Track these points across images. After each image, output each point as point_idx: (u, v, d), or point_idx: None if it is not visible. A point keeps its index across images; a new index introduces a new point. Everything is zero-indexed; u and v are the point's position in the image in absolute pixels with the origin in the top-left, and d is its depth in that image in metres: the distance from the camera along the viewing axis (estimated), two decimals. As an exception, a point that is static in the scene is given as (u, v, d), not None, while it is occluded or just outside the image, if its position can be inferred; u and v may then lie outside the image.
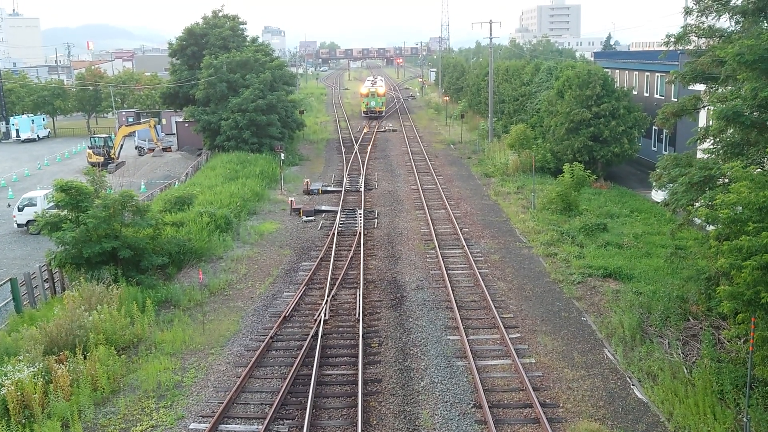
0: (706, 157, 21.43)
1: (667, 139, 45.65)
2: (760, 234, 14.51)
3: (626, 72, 55.84)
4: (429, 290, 25.31)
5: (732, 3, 21.90)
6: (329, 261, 28.56)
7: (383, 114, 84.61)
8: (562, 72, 47.28)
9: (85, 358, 18.82)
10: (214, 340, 21.47)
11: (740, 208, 15.93)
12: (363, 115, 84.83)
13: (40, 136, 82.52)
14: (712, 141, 20.98)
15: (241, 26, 61.87)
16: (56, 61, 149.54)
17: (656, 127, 44.79)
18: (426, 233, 33.03)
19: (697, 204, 20.05)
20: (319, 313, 22.79)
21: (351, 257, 29.01)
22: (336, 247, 30.62)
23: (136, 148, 65.60)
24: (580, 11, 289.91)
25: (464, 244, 30.48)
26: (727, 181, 19.01)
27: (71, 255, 24.33)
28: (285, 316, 22.85)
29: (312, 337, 20.90)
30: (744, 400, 15.65)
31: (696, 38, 23.55)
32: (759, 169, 19.18)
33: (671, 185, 21.91)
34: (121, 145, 60.92)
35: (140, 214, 25.83)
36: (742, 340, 18.05)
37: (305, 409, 16.74)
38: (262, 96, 53.98)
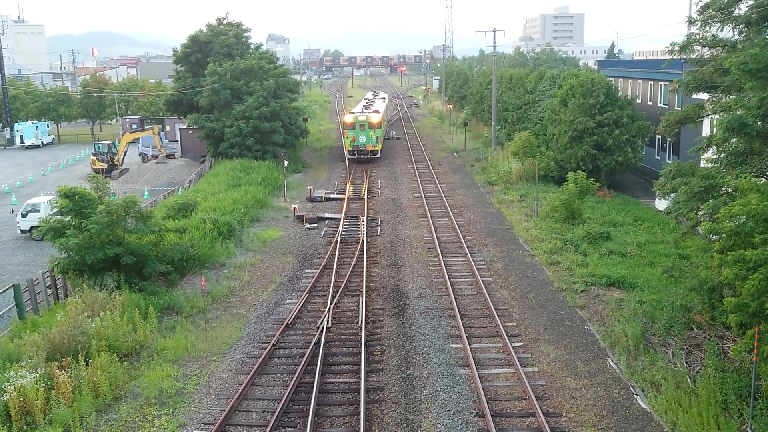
0: (709, 166, 21.41)
1: (671, 148, 45.62)
2: (766, 246, 14.46)
3: (630, 81, 55.86)
4: (432, 298, 25.26)
5: (735, 13, 21.91)
6: (332, 268, 28.54)
7: (378, 155, 57.28)
8: (565, 80, 47.33)
9: (87, 364, 18.79)
10: (216, 347, 21.44)
11: (744, 218, 15.89)
12: (348, 156, 57.22)
13: (44, 143, 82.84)
14: (716, 150, 20.97)
15: (245, 34, 62.06)
16: (61, 68, 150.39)
17: (660, 136, 44.84)
18: (429, 241, 33.00)
19: (700, 213, 20.02)
20: (322, 321, 22.75)
21: (354, 265, 28.98)
22: (339, 254, 30.60)
23: (139, 154, 65.82)
24: (583, 20, 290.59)
25: (467, 252, 30.44)
26: (730, 190, 18.97)
27: (74, 261, 24.35)
28: (287, 324, 22.82)
29: (314, 344, 20.87)
30: (748, 411, 15.58)
31: (699, 48, 23.57)
32: (764, 179, 19.16)
33: (674, 194, 21.88)
34: (125, 152, 61.12)
35: (143, 221, 25.86)
36: (746, 350, 17.97)
37: (307, 417, 16.70)
38: (266, 103, 54.09)
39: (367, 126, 55.69)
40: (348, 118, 57.80)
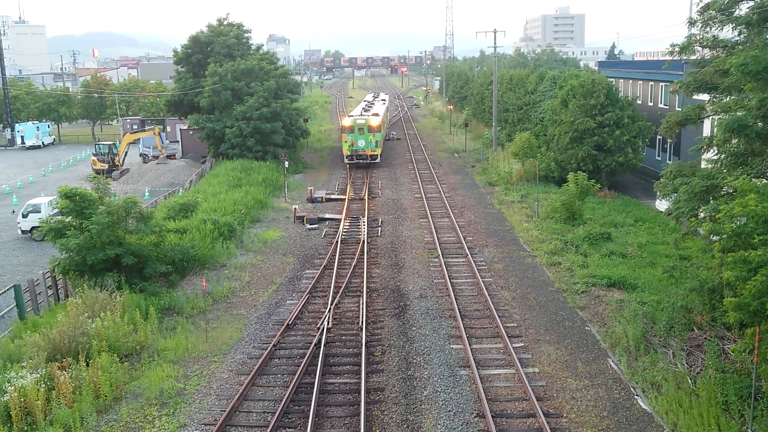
0: (710, 166, 21.43)
1: (671, 149, 45.62)
2: (767, 247, 14.47)
3: (630, 81, 55.87)
4: (432, 299, 25.26)
5: (736, 13, 21.92)
6: (332, 269, 28.54)
7: (378, 159, 54.61)
8: (566, 81, 47.34)
9: (87, 365, 18.81)
10: (216, 348, 21.44)
11: (744, 219, 15.89)
12: (347, 161, 54.11)
13: (45, 143, 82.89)
14: (716, 151, 20.99)
15: (245, 34, 62.12)
16: (61, 69, 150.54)
17: (660, 137, 44.83)
18: (429, 242, 33.00)
19: (701, 215, 20.02)
20: (322, 322, 22.75)
21: (354, 265, 28.98)
22: (339, 255, 30.60)
23: (140, 155, 65.83)
24: (584, 20, 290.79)
25: (468, 252, 30.43)
26: (730, 190, 18.98)
27: (75, 262, 24.36)
28: (288, 324, 22.82)
29: (315, 345, 20.87)
30: (749, 411, 15.57)
31: (700, 48, 23.57)
32: (764, 180, 19.15)
33: (675, 194, 21.89)
34: (126, 153, 61.11)
35: (144, 221, 25.87)
36: (746, 351, 17.97)
37: (308, 418, 16.70)
38: (267, 104, 54.10)
39: (366, 129, 52.93)
40: (346, 122, 54.87)
